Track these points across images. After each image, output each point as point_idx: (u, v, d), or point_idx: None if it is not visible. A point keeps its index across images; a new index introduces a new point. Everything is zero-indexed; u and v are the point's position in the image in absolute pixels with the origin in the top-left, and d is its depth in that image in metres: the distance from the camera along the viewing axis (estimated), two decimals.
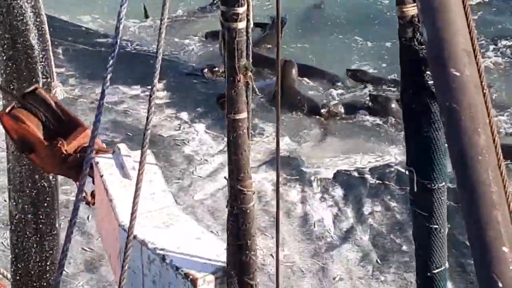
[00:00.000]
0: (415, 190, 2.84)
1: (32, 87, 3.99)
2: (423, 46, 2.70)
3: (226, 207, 3.27)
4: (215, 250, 3.36)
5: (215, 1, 14.94)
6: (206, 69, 12.96)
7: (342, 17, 15.47)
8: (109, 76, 2.93)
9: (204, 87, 12.45)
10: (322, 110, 12.17)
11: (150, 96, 2.99)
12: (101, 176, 3.74)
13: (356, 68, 13.82)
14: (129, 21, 14.45)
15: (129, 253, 2.95)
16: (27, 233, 5.53)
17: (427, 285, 2.94)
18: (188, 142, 11.15)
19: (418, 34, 2.73)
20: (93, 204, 3.84)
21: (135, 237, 3.41)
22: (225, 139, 3.23)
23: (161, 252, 3.33)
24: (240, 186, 3.21)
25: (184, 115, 11.69)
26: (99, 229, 3.92)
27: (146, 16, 15.04)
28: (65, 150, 3.84)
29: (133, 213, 3.02)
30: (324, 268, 9.13)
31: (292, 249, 9.39)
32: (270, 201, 9.86)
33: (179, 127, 11.45)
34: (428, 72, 2.73)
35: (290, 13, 14.68)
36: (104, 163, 3.78)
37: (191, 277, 3.20)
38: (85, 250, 9.10)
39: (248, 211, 3.21)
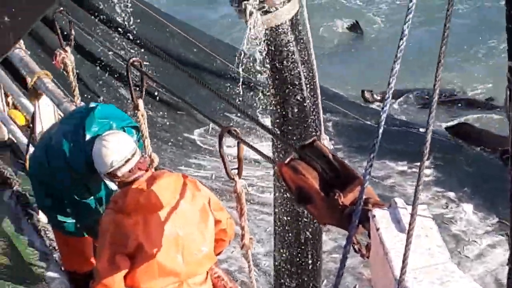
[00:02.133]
0: None
1: (311, 140, 4.05)
2: None
3: (507, 264, 3.16)
4: None
5: None
6: (366, 93, 14.25)
7: None
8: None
9: (467, 166, 12.20)
10: None
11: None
12: (377, 230, 3.70)
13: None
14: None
15: None
16: (290, 283, 5.61)
17: None
18: (456, 221, 10.92)
19: None
20: (368, 257, 3.80)
21: None
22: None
23: None
24: None
25: (451, 194, 11.48)
26: (373, 282, 3.87)
27: None
28: (342, 202, 3.84)
29: (403, 267, 2.97)
30: None
31: None
32: None
33: (446, 206, 11.25)
34: None
35: None
36: (380, 217, 3.74)
37: None
38: None
39: None
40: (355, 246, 3.82)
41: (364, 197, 3.53)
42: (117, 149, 5.26)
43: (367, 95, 14.48)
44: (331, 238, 9.84)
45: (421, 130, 12.75)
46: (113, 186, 5.73)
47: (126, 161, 5.23)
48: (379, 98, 14.50)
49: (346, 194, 3.87)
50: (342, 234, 9.84)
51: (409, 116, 14.02)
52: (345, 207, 3.85)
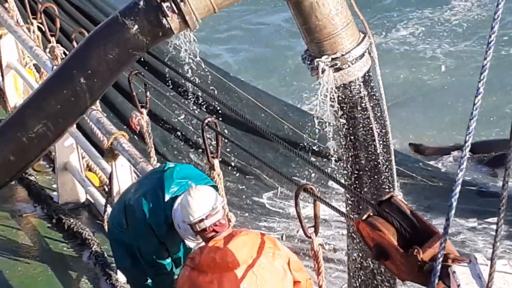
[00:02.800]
0: None
1: (388, 195, 4.07)
2: None
3: None
4: None
5: None
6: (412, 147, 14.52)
7: None
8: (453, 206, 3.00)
9: None
10: None
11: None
12: (458, 286, 3.69)
13: None
14: None
15: None
16: None
17: None
18: None
19: None
20: None
21: None
22: None
23: None
24: None
25: None
26: None
27: None
28: (421, 258, 3.85)
29: None
30: None
31: None
32: None
33: None
34: None
35: None
36: (461, 273, 3.73)
37: None
38: None
39: None
40: None
41: (443, 252, 3.55)
42: (197, 205, 5.27)
43: (412, 149, 14.53)
44: None
45: (471, 187, 12.78)
46: (191, 245, 5.77)
47: (201, 220, 5.25)
48: (429, 151, 14.51)
49: (425, 249, 3.87)
50: None
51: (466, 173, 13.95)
52: (425, 263, 3.85)
